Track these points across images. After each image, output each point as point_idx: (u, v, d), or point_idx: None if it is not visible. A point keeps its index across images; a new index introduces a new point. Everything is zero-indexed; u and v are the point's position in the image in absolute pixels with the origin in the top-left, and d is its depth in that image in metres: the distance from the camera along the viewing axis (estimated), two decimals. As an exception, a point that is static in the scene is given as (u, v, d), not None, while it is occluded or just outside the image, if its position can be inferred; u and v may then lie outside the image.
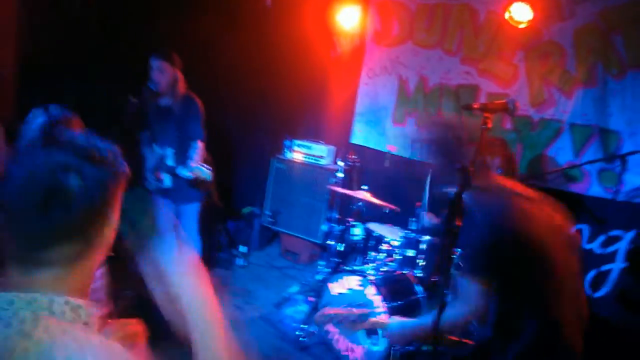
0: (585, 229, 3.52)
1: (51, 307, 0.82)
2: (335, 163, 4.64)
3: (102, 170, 0.86)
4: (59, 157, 0.82)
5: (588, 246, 3.49)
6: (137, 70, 3.55)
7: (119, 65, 4.00)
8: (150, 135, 3.59)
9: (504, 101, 1.58)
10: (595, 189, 3.52)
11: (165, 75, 3.35)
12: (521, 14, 3.59)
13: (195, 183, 3.29)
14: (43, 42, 3.69)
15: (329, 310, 1.74)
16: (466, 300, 1.60)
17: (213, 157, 3.64)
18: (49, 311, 0.81)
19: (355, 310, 1.73)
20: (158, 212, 1.08)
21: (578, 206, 3.53)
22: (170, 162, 3.40)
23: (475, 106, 1.55)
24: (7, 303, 0.79)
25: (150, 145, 3.60)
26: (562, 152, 3.66)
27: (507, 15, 3.64)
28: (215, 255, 4.48)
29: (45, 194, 0.80)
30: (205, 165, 3.32)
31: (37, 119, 2.20)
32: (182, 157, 3.42)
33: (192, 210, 3.61)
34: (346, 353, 3.08)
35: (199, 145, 3.46)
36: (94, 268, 0.91)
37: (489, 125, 1.50)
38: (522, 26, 3.62)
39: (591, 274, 3.46)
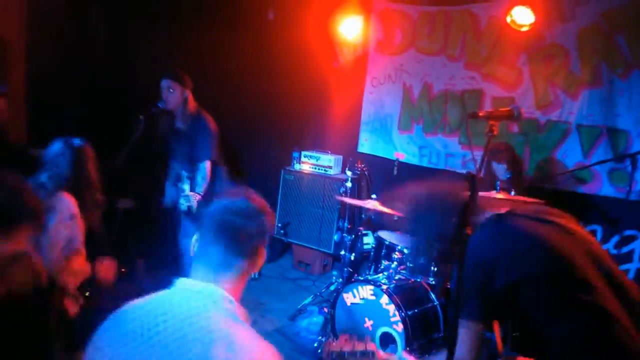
0: (599, 229, 3.50)
1: (223, 303, 1.27)
2: (344, 173, 4.66)
3: (259, 221, 1.38)
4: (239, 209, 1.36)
5: (602, 247, 3.46)
6: (146, 89, 3.62)
7: (127, 83, 4.07)
8: (167, 155, 3.64)
9: (509, 108, 1.58)
10: (607, 189, 3.50)
11: (175, 94, 3.41)
12: (523, 18, 3.59)
13: (189, 213, 3.34)
14: (52, 62, 3.77)
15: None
16: (468, 347, 1.56)
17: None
18: (221, 305, 1.26)
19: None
20: None
21: (590, 207, 3.52)
22: (184, 185, 3.42)
23: (481, 114, 1.56)
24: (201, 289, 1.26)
25: (170, 166, 3.65)
26: (570, 154, 3.65)
27: (508, 19, 3.65)
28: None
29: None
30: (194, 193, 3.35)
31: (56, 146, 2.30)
32: (194, 180, 3.45)
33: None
34: (362, 363, 3.07)
35: (207, 166, 3.47)
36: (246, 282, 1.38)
37: (495, 133, 1.51)
38: (524, 29, 3.63)
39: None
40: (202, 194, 3.39)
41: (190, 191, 3.36)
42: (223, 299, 1.27)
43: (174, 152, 3.61)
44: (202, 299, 1.23)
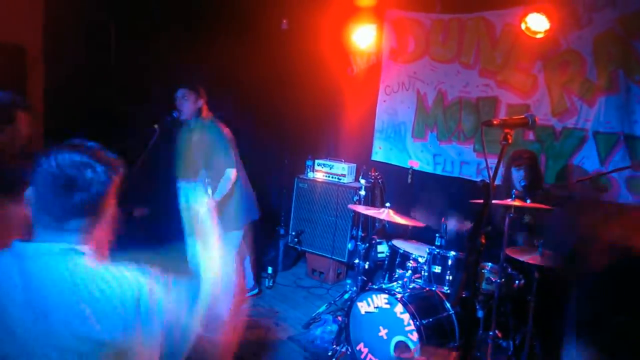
0: (617, 238, 3.43)
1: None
2: (357, 181, 4.66)
3: (108, 168, 1.21)
4: (79, 157, 1.18)
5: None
6: (160, 98, 3.67)
7: (141, 92, 4.13)
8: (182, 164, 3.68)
9: (523, 116, 1.58)
10: (625, 197, 3.44)
11: (189, 104, 3.47)
12: (538, 25, 3.58)
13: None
14: (68, 70, 3.85)
15: None
16: None
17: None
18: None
19: None
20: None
21: (609, 215, 3.45)
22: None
23: (495, 122, 1.55)
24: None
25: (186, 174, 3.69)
26: (587, 161, 3.60)
27: (523, 26, 3.64)
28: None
29: (69, 182, 1.15)
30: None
31: None
32: (214, 187, 3.47)
33: (230, 239, 3.69)
34: (377, 373, 3.05)
35: (229, 173, 3.51)
36: (107, 236, 1.27)
37: (510, 141, 1.50)
38: (539, 36, 3.61)
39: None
40: (218, 200, 3.42)
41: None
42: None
43: (191, 163, 3.65)
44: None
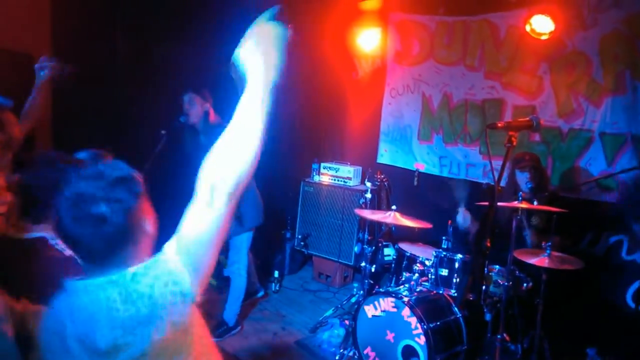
0: (625, 240, 3.41)
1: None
2: (363, 184, 4.66)
3: (124, 192, 1.15)
4: (95, 188, 1.12)
5: (629, 257, 3.38)
6: (166, 104, 3.69)
7: (148, 99, 4.16)
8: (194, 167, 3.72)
9: (527, 118, 1.57)
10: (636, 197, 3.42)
11: (196, 108, 3.51)
12: (542, 26, 3.58)
13: None
14: (76, 79, 3.88)
15: None
16: None
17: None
18: None
19: None
20: None
21: (616, 217, 3.43)
22: None
23: (500, 125, 1.55)
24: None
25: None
26: (594, 162, 3.58)
27: (528, 28, 3.63)
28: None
29: (94, 219, 1.11)
30: None
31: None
32: None
33: (239, 242, 3.71)
34: (384, 377, 3.04)
35: None
36: (149, 247, 1.22)
37: (514, 143, 1.50)
38: (544, 38, 3.60)
39: (635, 285, 3.34)
40: None
41: None
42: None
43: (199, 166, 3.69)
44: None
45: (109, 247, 1.14)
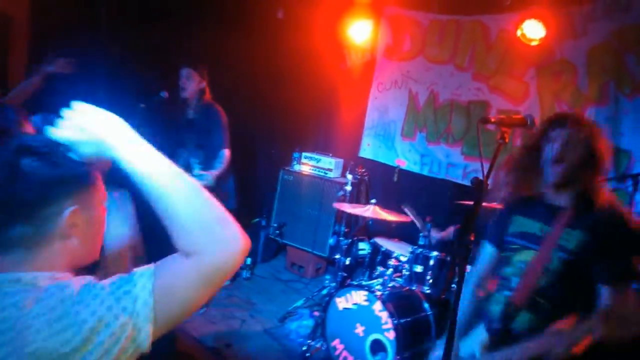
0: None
1: (37, 283, 0.88)
2: (344, 176, 4.62)
3: (50, 167, 0.91)
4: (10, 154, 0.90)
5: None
6: (149, 83, 3.61)
7: (130, 77, 4.03)
8: (173, 142, 3.71)
9: (521, 116, 1.55)
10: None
11: (193, 84, 3.56)
12: (533, 32, 3.58)
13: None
14: (54, 44, 3.73)
15: None
16: None
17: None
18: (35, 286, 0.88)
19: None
20: None
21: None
22: (195, 171, 3.46)
23: (493, 119, 1.52)
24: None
25: (175, 152, 3.69)
26: (573, 171, 3.61)
27: (519, 33, 3.63)
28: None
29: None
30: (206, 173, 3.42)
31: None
32: (207, 167, 3.53)
33: None
34: (351, 370, 3.02)
35: (225, 153, 3.60)
36: (62, 254, 0.94)
37: (507, 140, 1.47)
38: (534, 44, 3.61)
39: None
40: (215, 173, 3.51)
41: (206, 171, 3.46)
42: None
43: (184, 141, 3.70)
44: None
45: (8, 207, 0.90)
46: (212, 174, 3.46)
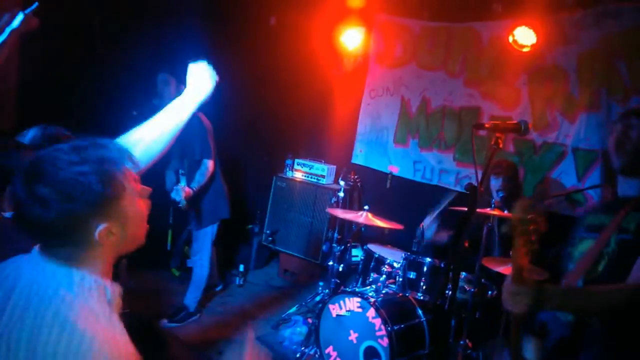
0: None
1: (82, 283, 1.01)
2: (336, 183, 4.61)
3: (65, 201, 0.96)
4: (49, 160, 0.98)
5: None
6: (143, 89, 3.56)
7: (124, 83, 4.00)
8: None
9: (516, 121, 1.55)
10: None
11: (171, 89, 3.39)
12: (525, 38, 3.60)
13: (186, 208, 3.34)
14: (46, 52, 3.69)
15: None
16: None
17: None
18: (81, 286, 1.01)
19: None
20: None
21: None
22: (181, 182, 3.36)
23: (487, 125, 1.52)
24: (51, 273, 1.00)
25: (167, 161, 3.63)
26: (565, 177, 3.63)
27: (510, 39, 3.65)
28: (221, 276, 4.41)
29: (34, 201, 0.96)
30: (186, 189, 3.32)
31: (30, 133, 2.18)
32: (191, 178, 3.42)
33: (202, 234, 3.64)
34: (345, 377, 2.99)
35: (207, 164, 3.46)
36: (105, 254, 1.07)
37: (500, 146, 1.47)
38: (525, 50, 3.63)
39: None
40: (195, 189, 3.36)
41: (187, 187, 3.33)
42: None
43: (170, 151, 3.58)
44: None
45: (44, 233, 1.00)
46: (193, 190, 3.36)
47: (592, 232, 1.67)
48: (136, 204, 1.10)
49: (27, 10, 2.63)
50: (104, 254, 1.07)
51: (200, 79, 1.46)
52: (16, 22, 2.59)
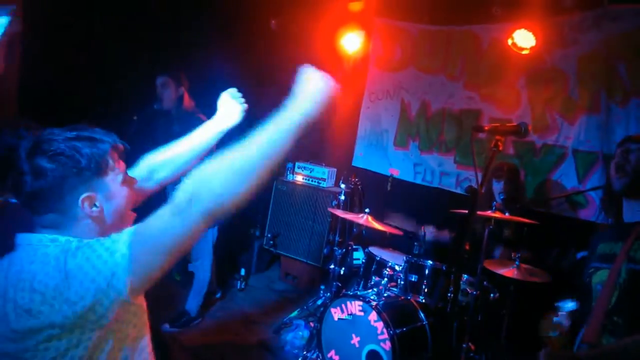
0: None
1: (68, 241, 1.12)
2: (337, 186, 4.61)
3: (59, 166, 1.12)
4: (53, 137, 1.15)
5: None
6: (143, 93, 3.56)
7: (124, 87, 4.01)
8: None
9: (516, 124, 1.56)
10: (601, 216, 3.48)
11: (170, 92, 3.37)
12: (524, 41, 3.61)
13: None
14: (46, 52, 3.70)
15: None
16: None
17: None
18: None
19: None
20: None
21: (586, 233, 3.48)
22: None
23: (486, 128, 1.52)
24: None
25: None
26: (565, 179, 3.63)
27: (510, 42, 3.66)
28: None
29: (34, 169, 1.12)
30: None
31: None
32: None
33: (203, 238, 3.62)
34: (347, 381, 2.99)
35: None
36: (91, 227, 1.18)
37: (500, 148, 1.47)
38: (524, 52, 3.64)
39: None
40: None
41: None
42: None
43: None
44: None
45: (36, 200, 1.13)
46: None
47: (605, 263, 1.70)
48: (120, 184, 1.23)
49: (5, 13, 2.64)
50: (90, 227, 1.18)
51: (230, 107, 1.54)
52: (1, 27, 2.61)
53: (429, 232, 3.47)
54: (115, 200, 1.22)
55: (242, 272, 4.59)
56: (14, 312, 1.03)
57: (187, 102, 3.45)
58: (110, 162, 1.21)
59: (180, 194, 1.06)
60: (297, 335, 3.63)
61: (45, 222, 1.15)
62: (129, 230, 1.09)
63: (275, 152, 1.15)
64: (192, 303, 3.71)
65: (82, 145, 1.16)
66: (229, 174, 1.07)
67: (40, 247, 1.11)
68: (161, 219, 1.07)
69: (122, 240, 1.07)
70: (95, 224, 1.19)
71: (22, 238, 1.15)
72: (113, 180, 1.21)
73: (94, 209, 1.17)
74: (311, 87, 1.25)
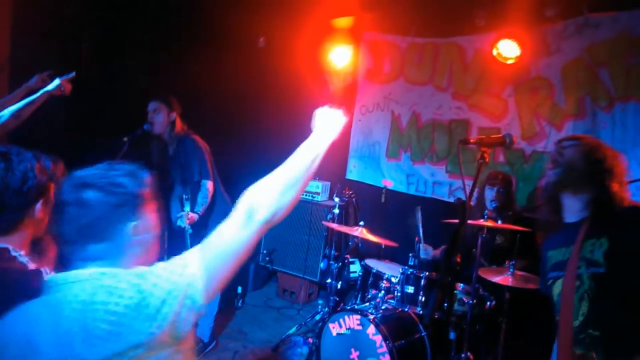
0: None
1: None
2: (331, 199, 4.63)
3: (110, 196, 1.18)
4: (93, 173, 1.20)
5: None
6: (133, 113, 3.57)
7: (114, 107, 4.03)
8: (168, 176, 3.59)
9: (500, 135, 1.59)
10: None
11: (162, 117, 3.38)
12: (508, 51, 3.67)
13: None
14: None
15: None
16: None
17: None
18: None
19: None
20: None
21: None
22: (185, 207, 3.32)
23: (472, 140, 1.55)
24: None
25: (172, 186, 3.61)
26: (556, 184, 3.66)
27: (494, 52, 3.72)
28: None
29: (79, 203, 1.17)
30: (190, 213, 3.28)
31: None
32: (194, 202, 3.37)
33: None
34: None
35: (206, 185, 3.43)
36: (134, 254, 1.22)
37: (487, 160, 1.50)
38: (509, 62, 3.70)
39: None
40: (200, 213, 3.33)
41: (191, 211, 3.28)
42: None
43: (173, 177, 3.57)
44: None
45: (83, 230, 1.15)
46: (197, 214, 3.32)
47: (562, 271, 1.63)
48: (153, 213, 1.29)
49: (64, 77, 2.80)
50: (136, 255, 1.22)
51: (328, 123, 1.60)
52: (52, 85, 2.77)
53: (426, 252, 3.48)
54: (152, 227, 1.28)
55: (239, 290, 4.57)
56: (84, 345, 1.05)
57: (179, 126, 3.47)
58: (147, 193, 1.27)
59: (242, 206, 1.23)
60: (296, 352, 3.62)
61: (89, 254, 1.16)
62: (198, 246, 1.19)
63: (312, 170, 1.39)
64: (203, 328, 3.60)
65: (128, 179, 1.22)
66: (281, 187, 1.28)
67: (94, 279, 1.12)
68: (229, 230, 1.20)
69: (193, 254, 1.17)
70: (141, 251, 1.24)
71: (60, 278, 1.15)
72: (151, 209, 1.28)
73: (139, 235, 1.22)
74: (330, 122, 1.55)
